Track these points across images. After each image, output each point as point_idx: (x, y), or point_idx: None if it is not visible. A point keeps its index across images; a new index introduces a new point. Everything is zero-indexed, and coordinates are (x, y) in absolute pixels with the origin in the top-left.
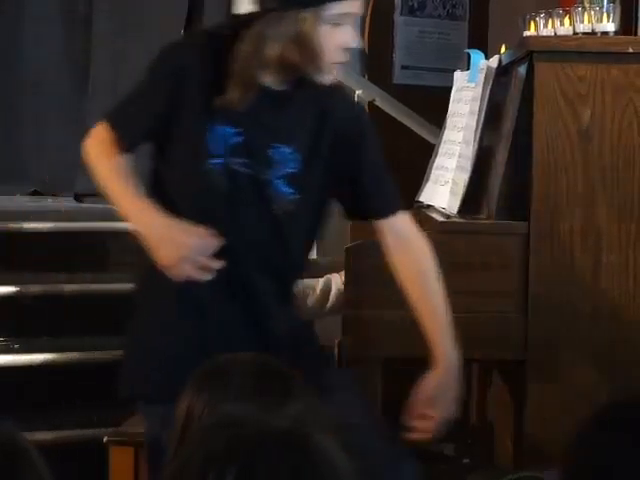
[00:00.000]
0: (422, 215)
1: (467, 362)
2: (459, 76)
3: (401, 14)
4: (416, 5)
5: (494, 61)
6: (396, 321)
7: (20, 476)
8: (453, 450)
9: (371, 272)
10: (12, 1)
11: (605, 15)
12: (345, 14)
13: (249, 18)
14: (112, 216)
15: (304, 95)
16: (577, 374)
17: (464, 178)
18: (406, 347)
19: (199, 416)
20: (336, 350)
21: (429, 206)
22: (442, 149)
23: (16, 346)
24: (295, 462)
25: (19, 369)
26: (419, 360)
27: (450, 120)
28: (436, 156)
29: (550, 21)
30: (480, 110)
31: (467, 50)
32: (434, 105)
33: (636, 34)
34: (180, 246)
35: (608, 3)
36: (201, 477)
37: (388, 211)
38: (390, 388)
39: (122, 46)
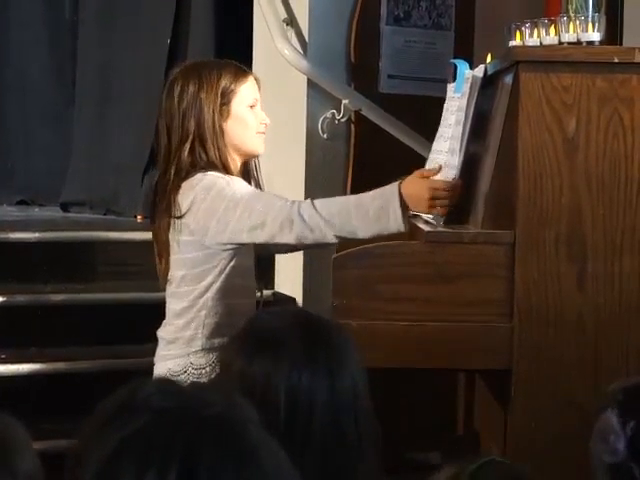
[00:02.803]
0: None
1: (452, 371)
2: (449, 87)
3: (387, 24)
4: (402, 15)
5: (480, 70)
6: (379, 332)
7: (10, 467)
8: (440, 458)
9: (357, 282)
10: None
11: (590, 25)
12: None
13: None
14: (98, 226)
15: None
16: (563, 382)
17: None
18: (392, 358)
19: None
20: None
21: (415, 215)
22: (429, 159)
23: (2, 356)
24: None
25: (6, 379)
26: (404, 370)
27: (439, 130)
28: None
29: (536, 31)
30: (466, 119)
31: (452, 60)
32: (420, 114)
33: (621, 44)
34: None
35: (593, 12)
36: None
37: None
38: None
39: (108, 54)
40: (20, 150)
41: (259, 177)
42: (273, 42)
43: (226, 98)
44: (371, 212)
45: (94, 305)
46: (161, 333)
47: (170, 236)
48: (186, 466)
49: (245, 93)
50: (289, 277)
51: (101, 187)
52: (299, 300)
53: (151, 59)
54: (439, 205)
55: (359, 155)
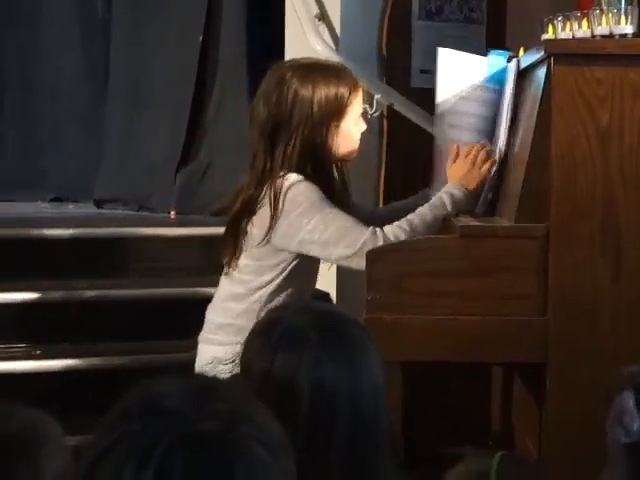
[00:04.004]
0: None
1: (488, 364)
2: (469, 69)
3: (419, 18)
4: (434, 9)
5: (513, 64)
6: (414, 325)
7: (36, 463)
8: (474, 451)
9: (390, 277)
10: (30, 7)
11: (623, 17)
12: None
13: None
14: (131, 222)
15: None
16: (597, 376)
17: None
18: (427, 352)
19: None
20: None
21: None
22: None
23: (37, 352)
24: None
25: (41, 375)
26: (436, 363)
27: (453, 117)
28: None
29: (568, 24)
30: (507, 113)
31: (491, 50)
32: None
33: None
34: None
35: (626, 5)
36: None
37: None
38: (409, 391)
39: (140, 53)
40: (54, 148)
41: (346, 177)
42: (305, 37)
43: (339, 113)
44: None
45: (127, 301)
46: (211, 315)
47: (248, 226)
48: (162, 468)
49: (357, 107)
50: (323, 272)
51: (134, 184)
52: (333, 295)
53: (183, 58)
54: (484, 167)
55: (391, 148)
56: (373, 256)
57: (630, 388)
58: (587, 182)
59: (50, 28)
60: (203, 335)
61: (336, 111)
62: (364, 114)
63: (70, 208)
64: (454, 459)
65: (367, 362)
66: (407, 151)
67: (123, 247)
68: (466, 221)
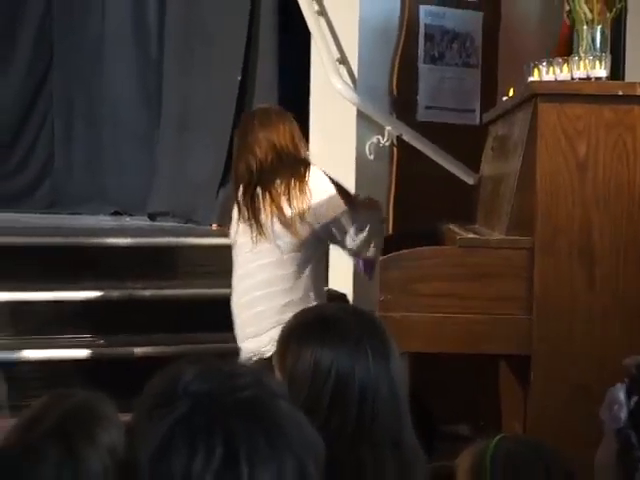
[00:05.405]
0: (445, 229)
1: (481, 356)
2: None
3: (424, 62)
4: (436, 55)
5: (505, 102)
6: (419, 322)
7: (93, 437)
8: (467, 430)
9: (400, 281)
10: (94, 48)
11: (598, 63)
12: None
13: None
14: (179, 233)
15: None
16: (574, 367)
17: None
18: (430, 344)
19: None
20: None
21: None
22: None
23: (100, 342)
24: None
25: (101, 361)
26: (439, 354)
27: None
28: None
29: (551, 68)
30: None
31: None
32: (452, 138)
33: (624, 79)
34: None
35: (600, 52)
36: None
37: None
38: (416, 378)
39: (188, 85)
40: (114, 169)
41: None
42: (328, 78)
43: None
44: None
45: (175, 299)
46: (273, 302)
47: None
48: (228, 447)
49: None
50: (341, 276)
51: (182, 200)
52: (350, 296)
53: (224, 92)
54: None
55: (400, 173)
56: (386, 263)
57: (624, 380)
58: (566, 203)
59: (112, 66)
60: (267, 318)
61: None
62: (377, 143)
63: (127, 220)
64: (451, 436)
65: (394, 353)
66: (413, 174)
67: (172, 254)
68: (464, 234)
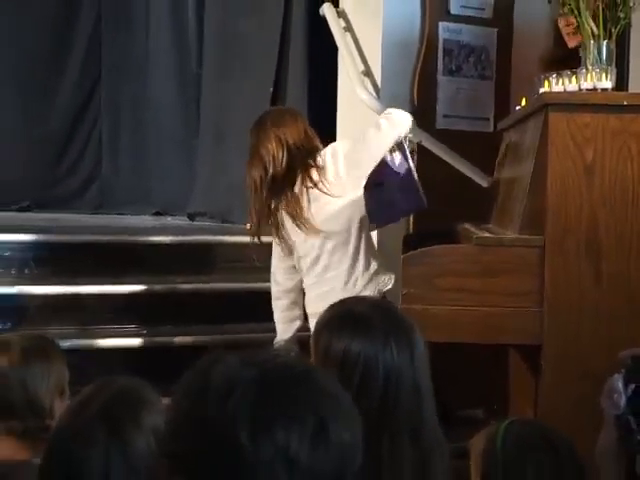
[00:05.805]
0: (462, 229)
1: (496, 346)
2: None
3: (442, 75)
4: (454, 68)
5: (518, 111)
6: (439, 314)
7: (138, 419)
8: (482, 414)
9: (421, 276)
10: (138, 62)
11: (604, 75)
12: None
13: None
14: (217, 231)
15: None
16: (581, 357)
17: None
18: (448, 334)
19: (355, 362)
20: None
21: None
22: None
23: (144, 332)
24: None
25: (146, 349)
26: (457, 344)
27: None
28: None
29: (560, 80)
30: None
31: None
32: (468, 145)
33: (627, 90)
34: None
35: (606, 65)
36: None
37: None
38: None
39: (224, 98)
40: (156, 172)
41: None
42: (353, 89)
43: None
44: None
45: (213, 292)
46: (365, 275)
47: None
48: (316, 416)
49: None
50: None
51: (219, 202)
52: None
53: (257, 102)
54: None
55: (420, 177)
56: (409, 260)
57: (621, 370)
58: (575, 204)
59: (155, 81)
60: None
61: None
62: None
63: (168, 220)
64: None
65: (419, 346)
66: (433, 178)
67: (210, 251)
68: (480, 233)
